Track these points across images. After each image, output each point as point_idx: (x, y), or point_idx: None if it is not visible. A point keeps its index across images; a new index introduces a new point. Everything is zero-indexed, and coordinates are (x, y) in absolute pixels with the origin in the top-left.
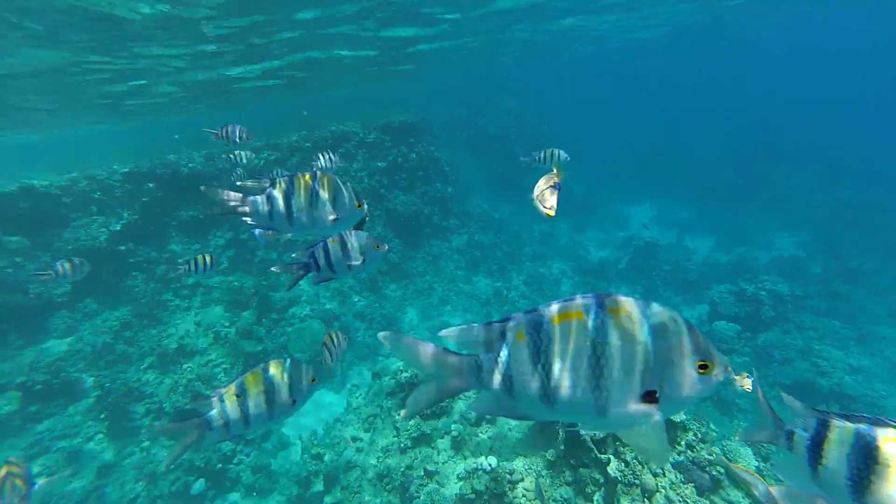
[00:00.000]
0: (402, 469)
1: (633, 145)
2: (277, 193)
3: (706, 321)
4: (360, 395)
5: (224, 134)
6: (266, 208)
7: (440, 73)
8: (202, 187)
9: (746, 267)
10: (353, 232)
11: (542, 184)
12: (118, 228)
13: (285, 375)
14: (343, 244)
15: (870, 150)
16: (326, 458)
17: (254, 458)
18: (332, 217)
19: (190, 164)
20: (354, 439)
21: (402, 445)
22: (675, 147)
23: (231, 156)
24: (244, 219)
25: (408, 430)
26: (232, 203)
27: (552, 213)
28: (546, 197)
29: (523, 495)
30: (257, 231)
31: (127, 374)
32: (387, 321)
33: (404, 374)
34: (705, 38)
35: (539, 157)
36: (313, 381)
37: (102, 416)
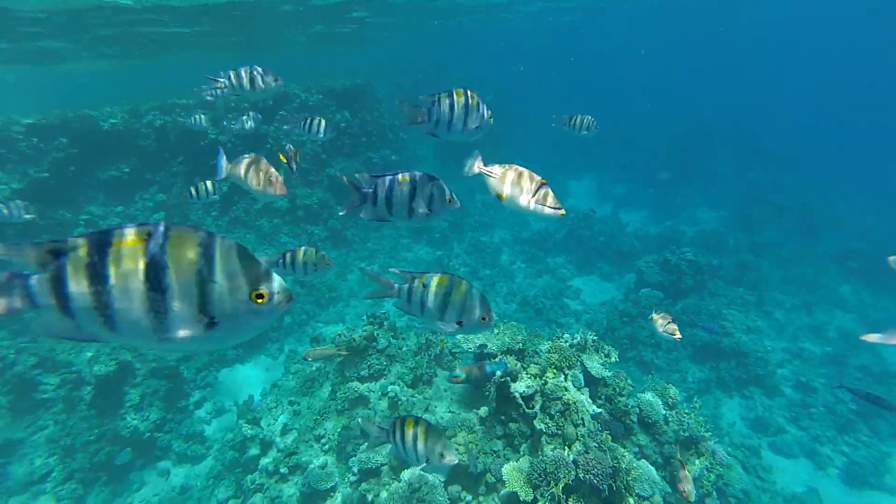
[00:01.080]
0: (339, 430)
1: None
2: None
3: (634, 289)
4: (298, 359)
5: (231, 82)
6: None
7: (387, 38)
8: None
9: (673, 239)
10: (429, 176)
11: (526, 183)
12: (22, 187)
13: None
14: (413, 185)
15: (786, 135)
16: (263, 422)
17: (185, 426)
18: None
19: (112, 121)
20: (291, 403)
21: (339, 408)
22: (617, 126)
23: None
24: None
25: (345, 393)
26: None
27: (562, 211)
28: (548, 197)
29: (455, 449)
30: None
31: (37, 344)
32: (327, 288)
33: (342, 339)
34: (654, 23)
35: (569, 122)
36: None
37: (4, 390)
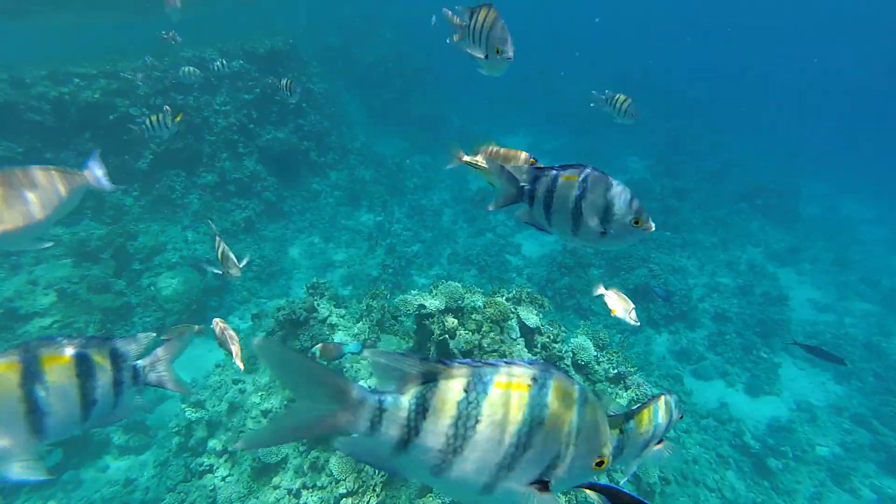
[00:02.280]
0: (285, 403)
1: (512, 80)
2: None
3: None
4: (241, 338)
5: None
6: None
7: None
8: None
9: None
10: (617, 183)
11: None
12: None
13: None
14: (583, 190)
15: (703, 85)
16: (208, 404)
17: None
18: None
19: None
20: (236, 381)
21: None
22: (548, 81)
23: None
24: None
25: None
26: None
27: None
28: None
29: None
30: None
31: None
32: (267, 263)
33: (282, 313)
34: None
35: (609, 101)
36: None
37: None
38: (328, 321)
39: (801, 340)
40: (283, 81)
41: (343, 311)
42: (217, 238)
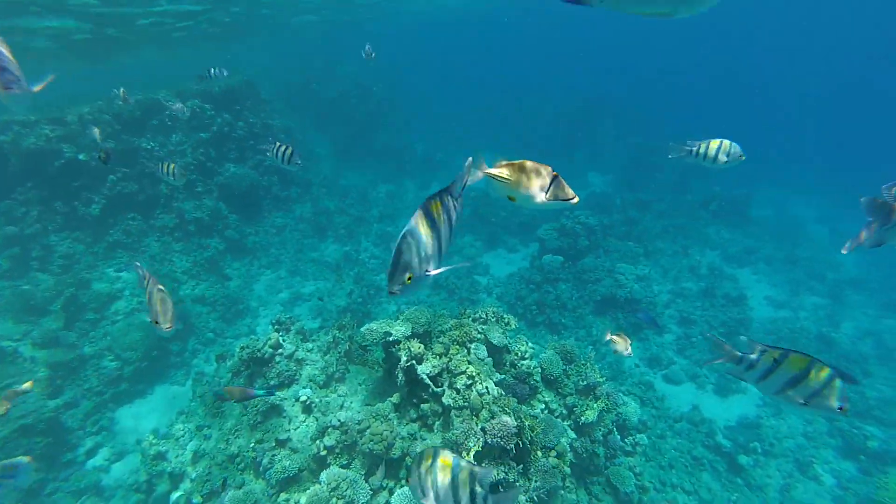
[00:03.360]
0: (252, 445)
1: (474, 106)
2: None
3: (538, 257)
4: (206, 381)
5: None
6: None
7: (267, 35)
8: None
9: (570, 206)
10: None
11: (540, 179)
12: None
13: None
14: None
15: (661, 103)
16: (170, 454)
17: (75, 481)
18: None
19: None
20: (200, 428)
21: (252, 422)
22: (514, 106)
23: None
24: None
25: (255, 406)
26: None
27: (576, 198)
28: (561, 189)
29: (370, 440)
30: None
31: None
32: (231, 301)
33: (246, 351)
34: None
35: (696, 150)
36: None
37: None
38: (295, 356)
39: (759, 338)
40: (282, 148)
41: (310, 345)
42: (146, 280)
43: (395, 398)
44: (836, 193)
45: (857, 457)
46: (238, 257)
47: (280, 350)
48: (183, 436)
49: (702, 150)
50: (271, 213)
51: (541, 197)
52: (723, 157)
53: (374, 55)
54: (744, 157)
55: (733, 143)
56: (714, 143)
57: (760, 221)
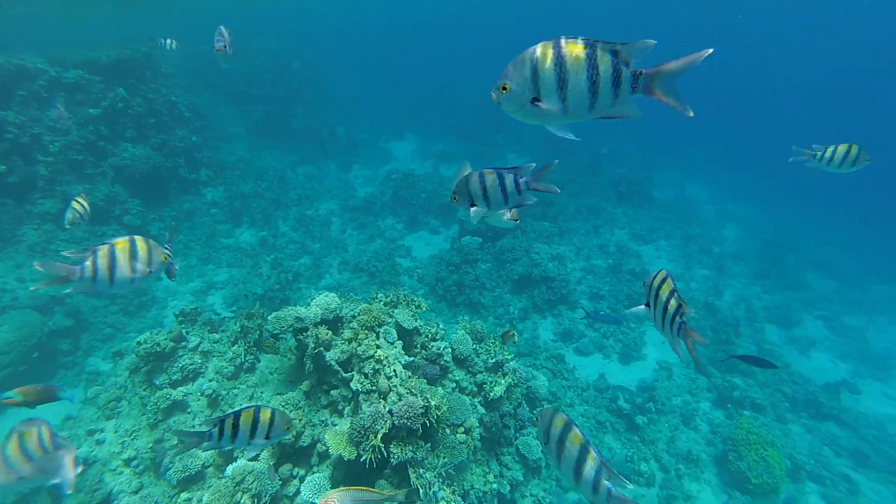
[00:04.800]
0: (151, 445)
1: (399, 89)
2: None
3: (457, 238)
4: (99, 381)
5: None
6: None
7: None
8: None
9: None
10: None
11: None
12: None
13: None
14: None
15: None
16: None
17: None
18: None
19: None
20: (91, 432)
21: (152, 421)
22: (437, 89)
23: None
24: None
25: (156, 404)
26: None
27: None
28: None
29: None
30: None
31: None
32: (134, 293)
33: (144, 347)
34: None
35: (821, 155)
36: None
37: None
38: (200, 348)
39: None
40: None
41: (217, 336)
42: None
43: (304, 386)
44: (724, 177)
45: (726, 405)
46: None
47: (183, 343)
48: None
49: (827, 155)
50: (179, 196)
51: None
52: (848, 162)
53: (230, 50)
54: (870, 161)
55: (860, 147)
56: (842, 148)
57: (662, 202)
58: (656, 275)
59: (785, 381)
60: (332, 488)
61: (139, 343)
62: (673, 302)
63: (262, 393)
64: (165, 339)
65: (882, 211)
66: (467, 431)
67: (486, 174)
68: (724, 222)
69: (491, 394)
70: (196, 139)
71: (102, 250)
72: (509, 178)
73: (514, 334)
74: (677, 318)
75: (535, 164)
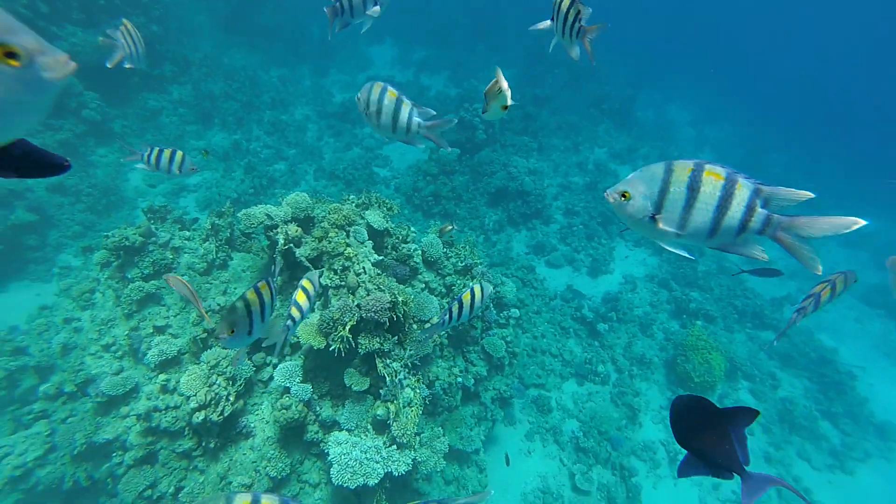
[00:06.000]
0: (127, 332)
1: None
2: None
3: (435, 148)
4: (72, 276)
5: None
6: None
7: None
8: None
9: (471, 98)
10: None
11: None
12: None
13: None
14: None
15: None
16: (32, 349)
17: None
18: None
19: None
20: (68, 320)
21: (127, 311)
22: None
23: None
24: None
25: (129, 295)
26: None
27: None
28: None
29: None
30: None
31: None
32: (100, 192)
33: (112, 240)
34: None
35: None
36: None
37: None
38: (171, 245)
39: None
40: None
41: (189, 234)
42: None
43: (277, 282)
44: (707, 100)
45: (681, 316)
46: (104, 142)
47: (153, 238)
48: (46, 330)
49: None
50: (141, 93)
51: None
52: None
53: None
54: None
55: None
56: None
57: (643, 122)
58: None
59: (738, 296)
60: (303, 375)
61: (107, 237)
62: (572, 11)
63: (235, 289)
64: (134, 234)
65: (847, 143)
66: None
67: (389, 92)
68: (702, 146)
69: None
70: (157, 29)
71: None
72: (406, 110)
73: (451, 228)
74: (576, 23)
75: (435, 113)
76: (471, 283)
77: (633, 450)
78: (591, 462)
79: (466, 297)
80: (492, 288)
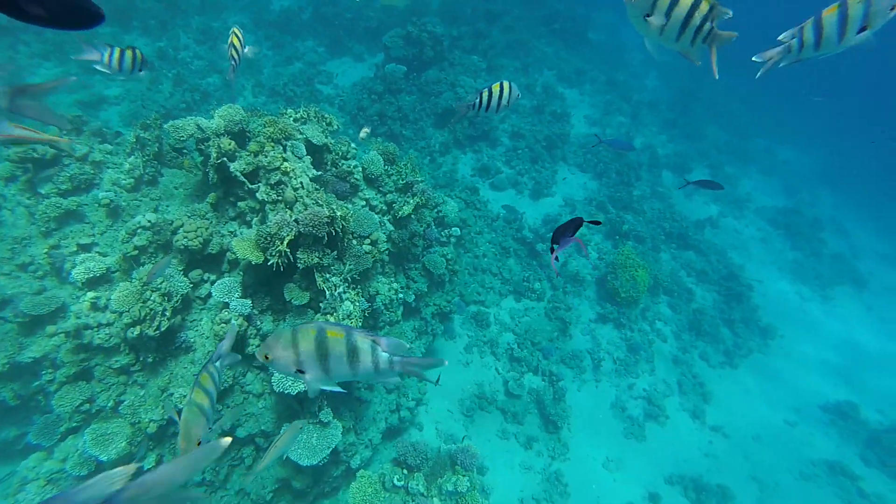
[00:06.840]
0: (47, 250)
1: None
2: None
3: (381, 65)
4: None
5: None
6: None
7: None
8: None
9: (419, 11)
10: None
11: None
12: None
13: None
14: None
15: None
16: None
17: None
18: None
19: None
20: None
21: (44, 229)
22: None
23: None
24: None
25: (46, 212)
26: None
27: None
28: None
29: (185, 237)
30: None
31: None
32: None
33: (16, 151)
34: None
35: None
36: None
37: None
38: (90, 158)
39: (571, 150)
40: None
41: (111, 147)
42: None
43: (211, 198)
44: None
45: (615, 237)
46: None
47: (66, 151)
48: None
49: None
50: None
51: None
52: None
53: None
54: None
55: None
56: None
57: (595, 45)
58: None
59: (666, 219)
60: (242, 290)
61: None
62: None
63: (167, 206)
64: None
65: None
66: (373, 244)
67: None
68: (649, 70)
69: (400, 212)
70: None
71: None
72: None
73: (367, 131)
74: None
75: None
76: (412, 199)
77: (563, 358)
78: (524, 370)
79: (496, 87)
80: (518, 92)
